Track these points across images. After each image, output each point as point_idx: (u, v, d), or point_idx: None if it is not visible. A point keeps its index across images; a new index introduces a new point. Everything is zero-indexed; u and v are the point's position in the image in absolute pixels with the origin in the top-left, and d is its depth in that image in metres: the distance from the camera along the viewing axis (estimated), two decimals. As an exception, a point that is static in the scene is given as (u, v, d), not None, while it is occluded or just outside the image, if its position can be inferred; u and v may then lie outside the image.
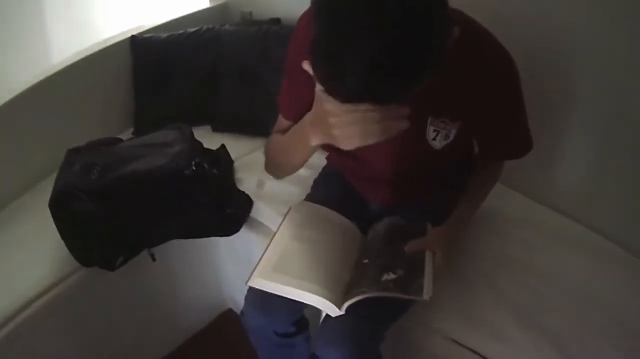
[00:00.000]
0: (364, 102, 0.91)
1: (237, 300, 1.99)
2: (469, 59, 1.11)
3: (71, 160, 1.61)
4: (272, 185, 1.82)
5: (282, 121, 1.37)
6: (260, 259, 1.25)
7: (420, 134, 1.24)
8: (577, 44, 1.53)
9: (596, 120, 1.59)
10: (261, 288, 1.20)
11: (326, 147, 1.45)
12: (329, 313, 1.19)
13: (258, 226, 1.75)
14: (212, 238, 1.74)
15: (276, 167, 1.40)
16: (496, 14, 1.45)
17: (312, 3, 0.86)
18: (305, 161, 1.23)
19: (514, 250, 1.55)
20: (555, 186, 1.75)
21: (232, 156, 1.94)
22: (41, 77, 1.91)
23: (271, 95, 2.03)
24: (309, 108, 1.11)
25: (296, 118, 1.21)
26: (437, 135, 1.24)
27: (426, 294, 1.11)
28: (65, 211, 1.51)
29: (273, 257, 1.25)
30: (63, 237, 1.55)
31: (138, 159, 1.60)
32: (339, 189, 1.56)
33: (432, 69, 0.85)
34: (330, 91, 0.91)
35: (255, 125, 2.12)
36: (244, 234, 1.73)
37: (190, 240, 1.72)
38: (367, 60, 0.80)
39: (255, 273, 1.21)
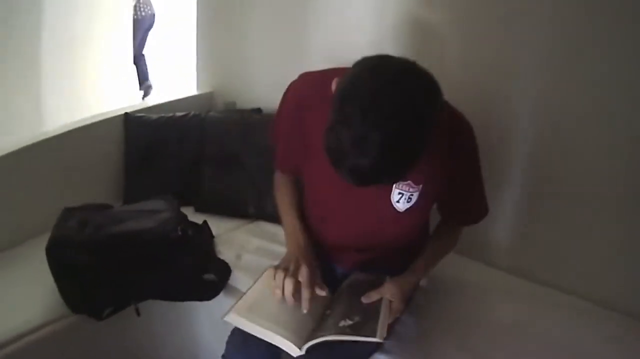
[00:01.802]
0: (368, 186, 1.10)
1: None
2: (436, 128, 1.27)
3: (67, 216, 1.72)
4: (250, 258, 1.93)
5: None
6: (238, 300, 1.37)
7: (385, 196, 1.38)
8: (508, 113, 1.80)
9: (522, 184, 1.82)
10: (234, 323, 1.33)
11: None
12: (291, 353, 1.29)
13: (236, 293, 1.82)
14: (193, 304, 1.83)
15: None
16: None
17: (334, 93, 1.06)
18: None
19: (469, 307, 1.71)
20: (491, 244, 1.96)
21: (213, 232, 2.05)
22: (38, 139, 2.04)
23: (251, 179, 2.20)
24: (301, 158, 1.42)
25: (294, 171, 1.57)
26: (401, 197, 1.37)
27: (379, 336, 1.22)
28: (60, 258, 1.61)
29: (249, 300, 1.37)
30: (56, 281, 1.64)
31: (129, 221, 1.72)
32: None
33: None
34: (339, 174, 1.09)
35: (235, 207, 2.24)
36: (222, 300, 1.81)
37: (176, 304, 1.82)
38: (371, 159, 1.00)
39: (232, 309, 1.33)
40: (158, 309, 1.85)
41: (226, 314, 1.32)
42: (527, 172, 1.82)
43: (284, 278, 1.33)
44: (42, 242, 1.65)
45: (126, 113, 2.35)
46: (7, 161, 1.94)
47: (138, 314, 1.73)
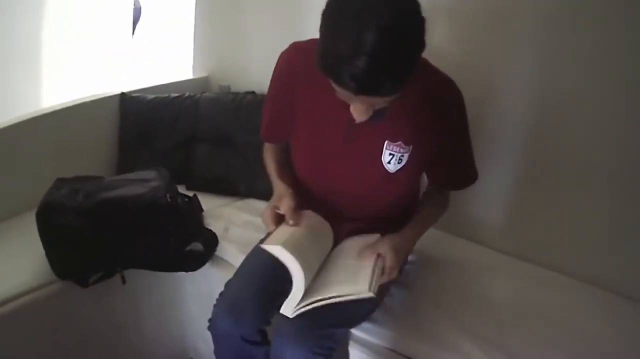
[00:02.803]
0: (361, 94, 1.10)
1: (199, 348, 2.10)
2: (425, 89, 1.31)
3: (59, 185, 1.77)
4: (237, 230, 1.98)
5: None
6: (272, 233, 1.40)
7: (376, 157, 1.40)
8: (501, 102, 1.82)
9: (515, 164, 1.85)
10: (277, 255, 1.31)
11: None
12: (285, 309, 1.32)
13: (222, 264, 1.88)
14: (179, 274, 1.88)
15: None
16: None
17: (323, 12, 1.09)
18: None
19: (460, 283, 1.73)
20: (483, 223, 1.99)
21: (204, 208, 2.11)
22: (35, 114, 2.11)
23: (243, 158, 2.25)
24: (288, 130, 1.47)
25: (278, 141, 1.62)
26: (392, 159, 1.39)
27: (372, 290, 1.24)
28: (50, 222, 1.67)
29: (288, 234, 1.36)
30: (45, 246, 1.69)
31: (120, 188, 1.78)
32: None
33: (414, 72, 1.09)
34: (341, 85, 1.10)
35: (226, 186, 2.29)
36: (207, 272, 1.86)
37: (160, 274, 1.86)
38: (369, 58, 1.02)
39: (274, 241, 1.32)
40: (144, 279, 1.90)
41: (265, 242, 1.33)
42: (520, 152, 1.85)
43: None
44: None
45: (122, 93, 2.42)
46: (3, 134, 2.00)
47: (124, 281, 1.79)
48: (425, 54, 1.13)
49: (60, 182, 1.81)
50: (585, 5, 1.60)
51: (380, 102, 1.16)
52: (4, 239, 1.92)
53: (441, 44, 1.85)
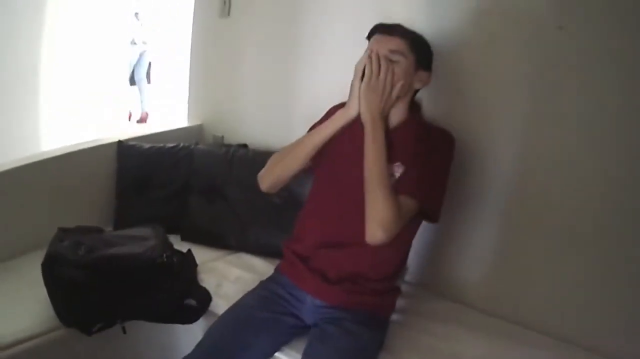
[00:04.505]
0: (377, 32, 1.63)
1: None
2: (426, 128, 1.70)
3: (61, 237, 1.82)
4: (229, 286, 2.02)
5: None
6: None
7: None
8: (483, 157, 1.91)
9: (497, 225, 1.93)
10: None
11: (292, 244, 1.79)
12: None
13: (216, 317, 1.91)
14: (176, 326, 1.93)
15: (278, 166, 1.76)
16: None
17: None
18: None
19: (435, 341, 1.79)
20: (461, 281, 2.05)
21: (197, 261, 2.13)
22: (34, 159, 2.15)
23: (234, 212, 2.31)
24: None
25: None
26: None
27: None
28: (55, 274, 1.72)
29: None
30: (50, 295, 1.75)
31: (119, 245, 1.83)
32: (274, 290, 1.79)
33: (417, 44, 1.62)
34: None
35: (218, 239, 2.33)
36: (203, 324, 1.90)
37: (159, 325, 1.91)
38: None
39: None
40: (143, 329, 1.93)
41: None
42: (503, 213, 1.92)
43: None
44: (36, 257, 1.76)
45: (119, 141, 2.46)
46: (4, 178, 2.03)
47: (124, 332, 1.82)
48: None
49: (62, 232, 1.85)
50: (571, 69, 1.71)
51: (387, 44, 1.59)
52: (5, 281, 1.93)
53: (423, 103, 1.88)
